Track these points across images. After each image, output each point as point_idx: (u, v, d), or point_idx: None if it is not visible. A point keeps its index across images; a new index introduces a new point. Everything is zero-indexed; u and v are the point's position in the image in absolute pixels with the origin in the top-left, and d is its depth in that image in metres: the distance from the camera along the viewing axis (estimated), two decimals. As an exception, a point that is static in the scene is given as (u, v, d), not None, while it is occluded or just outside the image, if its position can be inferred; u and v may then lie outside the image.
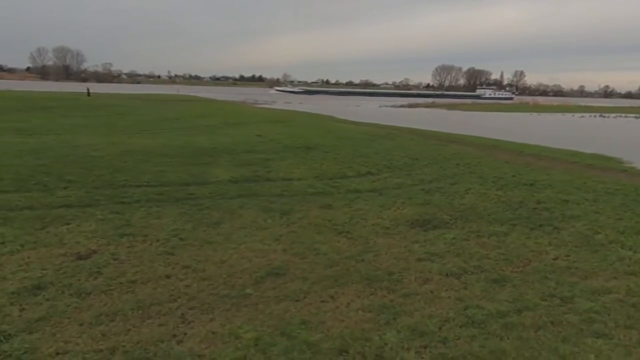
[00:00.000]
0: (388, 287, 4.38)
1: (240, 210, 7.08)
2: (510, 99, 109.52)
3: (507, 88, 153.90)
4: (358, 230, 6.25)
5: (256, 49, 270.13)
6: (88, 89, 43.18)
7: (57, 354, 3.16)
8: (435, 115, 38.06)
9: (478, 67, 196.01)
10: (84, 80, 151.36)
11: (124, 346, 3.26)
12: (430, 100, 69.12)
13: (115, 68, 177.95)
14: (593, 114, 43.85)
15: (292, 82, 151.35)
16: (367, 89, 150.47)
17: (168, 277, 4.64)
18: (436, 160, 11.24)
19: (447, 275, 4.61)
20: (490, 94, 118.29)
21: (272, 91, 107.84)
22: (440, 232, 6.08)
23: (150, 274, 4.69)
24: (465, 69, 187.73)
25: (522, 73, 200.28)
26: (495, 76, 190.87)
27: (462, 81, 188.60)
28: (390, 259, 5.14)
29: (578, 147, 16.12)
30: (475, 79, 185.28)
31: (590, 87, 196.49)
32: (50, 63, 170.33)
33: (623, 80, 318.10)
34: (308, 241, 5.77)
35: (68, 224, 6.33)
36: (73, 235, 5.82)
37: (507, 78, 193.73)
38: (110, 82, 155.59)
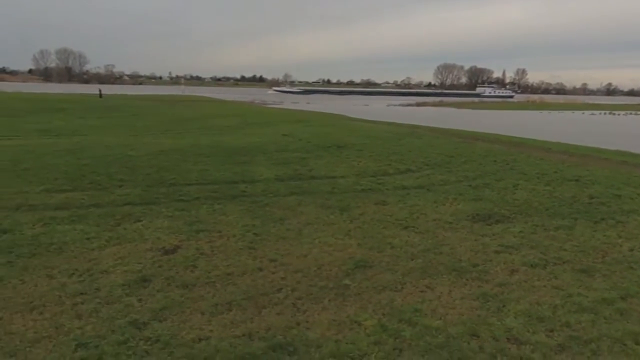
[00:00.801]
0: (478, 277, 4.54)
1: (299, 207, 7.25)
2: (511, 97, 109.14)
3: (508, 86, 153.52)
4: (422, 224, 6.41)
5: (257, 49, 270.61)
6: (100, 90, 43.35)
7: (200, 339, 3.33)
8: (446, 114, 38.19)
9: (480, 65, 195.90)
10: (86, 81, 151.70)
11: (257, 332, 3.44)
12: (438, 99, 69.23)
13: (117, 69, 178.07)
14: (602, 112, 43.96)
15: (290, 83, 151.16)
16: (366, 88, 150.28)
17: (260, 269, 4.81)
18: (471, 158, 11.40)
19: (531, 266, 4.78)
20: (490, 92, 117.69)
21: (269, 91, 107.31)
22: (505, 226, 6.24)
23: (242, 267, 4.86)
24: (467, 67, 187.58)
25: (524, 71, 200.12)
26: (497, 74, 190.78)
27: (463, 80, 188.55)
28: (467, 251, 5.31)
29: (600, 144, 16.25)
30: (477, 78, 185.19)
31: (592, 84, 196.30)
32: (52, 65, 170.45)
33: (625, 77, 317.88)
34: (378, 235, 5.94)
35: (139, 220, 6.50)
36: (150, 232, 6.00)
37: (509, 76, 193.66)
38: (113, 83, 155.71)
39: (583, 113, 42.40)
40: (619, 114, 41.30)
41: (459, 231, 6.12)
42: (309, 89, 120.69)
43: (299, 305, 3.97)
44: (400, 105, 54.62)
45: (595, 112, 43.60)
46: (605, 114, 41.53)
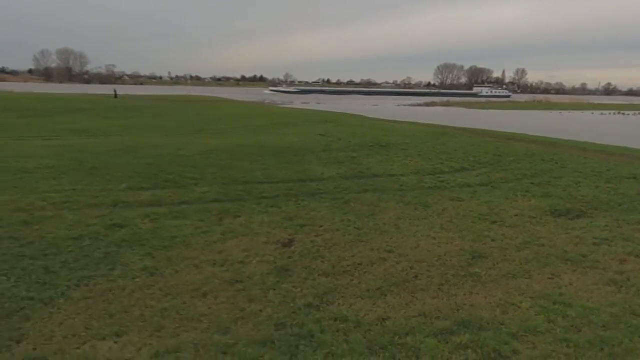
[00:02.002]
0: (593, 266, 4.92)
1: (381, 204, 7.60)
2: (508, 97, 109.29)
3: (505, 86, 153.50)
4: (507, 219, 6.78)
5: (257, 49, 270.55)
6: (115, 91, 43.59)
7: (383, 319, 3.69)
8: (459, 114, 38.57)
9: (480, 65, 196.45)
10: (88, 82, 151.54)
11: (429, 313, 3.80)
12: (445, 99, 69.76)
13: (117, 70, 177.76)
14: (611, 112, 44.42)
15: (287, 83, 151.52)
16: (364, 88, 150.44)
17: (384, 260, 5.17)
18: (519, 157, 11.77)
19: (636, 256, 5.15)
20: (487, 92, 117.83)
21: (266, 91, 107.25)
22: (588, 221, 6.62)
23: (365, 258, 5.22)
24: (467, 67, 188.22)
25: (523, 71, 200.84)
26: (497, 75, 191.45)
27: (464, 80, 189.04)
28: (567, 244, 5.68)
29: (624, 143, 16.64)
30: (477, 78, 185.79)
31: (591, 84, 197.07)
32: (53, 65, 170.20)
33: (622, 77, 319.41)
34: (473, 229, 6.30)
35: (238, 216, 6.85)
36: (257, 226, 6.35)
37: (509, 76, 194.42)
38: (114, 83, 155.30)
39: (592, 113, 42.90)
40: (628, 114, 41.80)
41: (546, 225, 6.49)
42: (305, 89, 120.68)
43: (445, 290, 4.33)
44: (410, 105, 55.05)
45: (604, 112, 44.10)
46: (614, 114, 42.02)
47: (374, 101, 68.93)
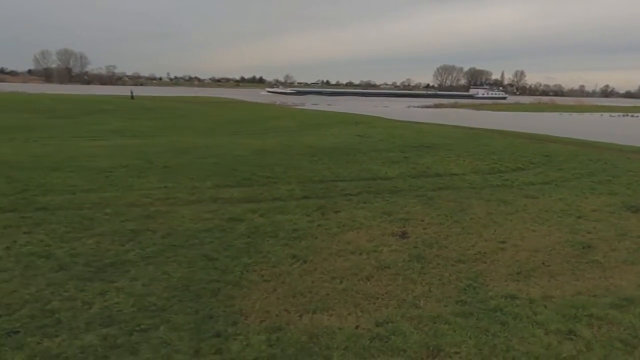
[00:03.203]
0: (697, 254, 5.42)
1: (464, 200, 8.09)
2: (504, 98, 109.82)
3: (500, 88, 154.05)
4: (589, 214, 7.29)
5: (255, 50, 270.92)
6: (132, 92, 43.93)
7: (545, 297, 4.18)
8: (473, 116, 39.15)
9: (479, 67, 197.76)
10: (88, 82, 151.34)
11: (583, 292, 4.29)
12: (453, 101, 70.58)
13: (117, 70, 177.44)
14: (619, 114, 45.13)
15: (283, 84, 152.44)
16: (361, 89, 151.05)
17: (502, 249, 5.67)
18: (567, 158, 12.30)
19: None
20: (483, 94, 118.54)
21: (263, 92, 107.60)
22: (666, 215, 7.14)
23: (484, 247, 5.71)
24: (466, 69, 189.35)
25: (522, 73, 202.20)
26: (496, 76, 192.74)
27: (463, 81, 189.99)
28: (662, 235, 6.19)
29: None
30: (476, 79, 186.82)
31: (588, 86, 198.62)
32: (54, 66, 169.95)
33: (620, 79, 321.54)
34: (563, 223, 6.80)
35: (338, 211, 7.32)
36: (362, 220, 6.82)
37: (508, 78, 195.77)
38: (114, 84, 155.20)
39: (602, 115, 43.62)
40: (637, 116, 42.52)
41: (629, 220, 7.01)
42: (301, 90, 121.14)
43: (578, 274, 4.84)
44: (418, 107, 55.68)
45: (612, 114, 44.85)
46: (622, 116, 42.72)
47: (373, 102, 69.52)
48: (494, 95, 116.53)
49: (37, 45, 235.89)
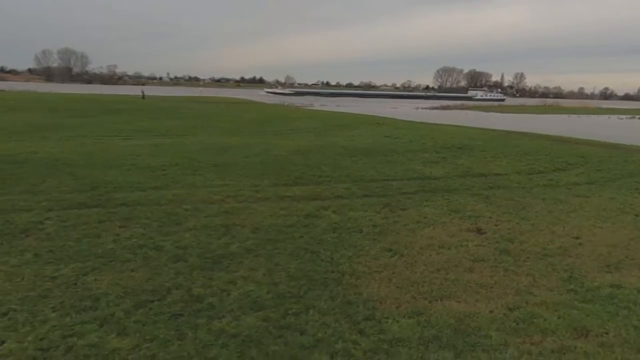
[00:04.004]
0: None
1: (521, 199, 8.37)
2: (502, 100, 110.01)
3: (499, 89, 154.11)
4: (646, 212, 7.60)
5: (255, 51, 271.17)
6: (143, 92, 44.17)
7: (616, 286, 4.47)
8: (485, 117, 39.49)
9: (479, 69, 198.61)
10: (89, 82, 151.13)
11: None
12: (459, 103, 71.08)
13: (118, 70, 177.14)
14: (625, 116, 45.60)
15: (282, 84, 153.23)
16: (359, 91, 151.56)
17: (580, 244, 5.96)
18: (603, 159, 12.64)
19: None
20: (481, 96, 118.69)
21: (261, 92, 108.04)
22: None
23: (561, 242, 6.00)
24: (466, 71, 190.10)
25: (522, 75, 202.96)
26: (496, 78, 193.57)
27: (463, 83, 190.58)
28: None
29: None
30: (476, 81, 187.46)
31: (587, 88, 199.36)
32: (55, 65, 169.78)
33: (618, 82, 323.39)
34: (625, 220, 7.12)
35: (405, 209, 7.60)
36: (433, 217, 7.10)
37: (508, 80, 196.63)
38: (115, 84, 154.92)
39: (609, 117, 44.07)
40: (644, 118, 43.02)
41: (687, 217, 7.31)
42: (300, 91, 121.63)
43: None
44: (425, 108, 56.11)
45: (621, 116, 45.35)
46: (630, 118, 43.18)
47: (380, 104, 69.98)
48: (492, 97, 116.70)
49: (36, 45, 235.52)
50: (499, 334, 3.44)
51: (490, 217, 7.16)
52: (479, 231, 6.50)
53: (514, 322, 3.64)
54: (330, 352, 3.14)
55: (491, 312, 3.85)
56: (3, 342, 3.18)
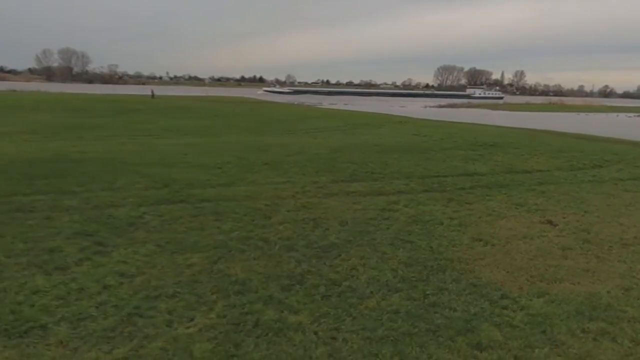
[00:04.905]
0: None
1: (574, 194, 8.72)
2: (500, 98, 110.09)
3: (497, 88, 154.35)
4: (699, 205, 7.97)
5: (255, 50, 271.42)
6: (152, 91, 44.39)
7: None
8: (496, 116, 39.90)
9: (480, 67, 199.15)
10: (89, 81, 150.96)
11: None
12: (464, 100, 71.53)
13: (119, 69, 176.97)
14: (635, 114, 46.07)
15: (280, 83, 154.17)
16: (361, 89, 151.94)
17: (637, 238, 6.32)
18: (637, 156, 13.02)
19: None
20: (480, 94, 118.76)
21: (259, 91, 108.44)
22: None
23: (630, 234, 6.37)
24: (466, 69, 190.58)
25: (522, 73, 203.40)
26: (496, 76, 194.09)
27: (463, 81, 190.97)
28: None
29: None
30: (477, 79, 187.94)
31: (586, 86, 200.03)
32: (55, 64, 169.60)
33: (617, 79, 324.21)
34: (683, 213, 7.48)
35: (469, 203, 7.96)
36: (502, 210, 7.46)
37: (508, 78, 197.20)
38: (116, 83, 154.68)
39: (617, 115, 44.52)
40: (652, 116, 43.47)
41: None
42: (298, 89, 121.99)
43: None
44: (434, 106, 56.57)
45: (629, 114, 45.80)
46: (638, 116, 43.61)
47: (388, 102, 70.31)
48: (490, 95, 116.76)
49: (36, 45, 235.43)
50: (633, 309, 3.81)
51: (555, 211, 7.52)
52: (551, 223, 6.86)
53: (637, 299, 4.01)
54: (493, 323, 3.50)
55: (609, 292, 4.21)
56: (192, 319, 3.52)
